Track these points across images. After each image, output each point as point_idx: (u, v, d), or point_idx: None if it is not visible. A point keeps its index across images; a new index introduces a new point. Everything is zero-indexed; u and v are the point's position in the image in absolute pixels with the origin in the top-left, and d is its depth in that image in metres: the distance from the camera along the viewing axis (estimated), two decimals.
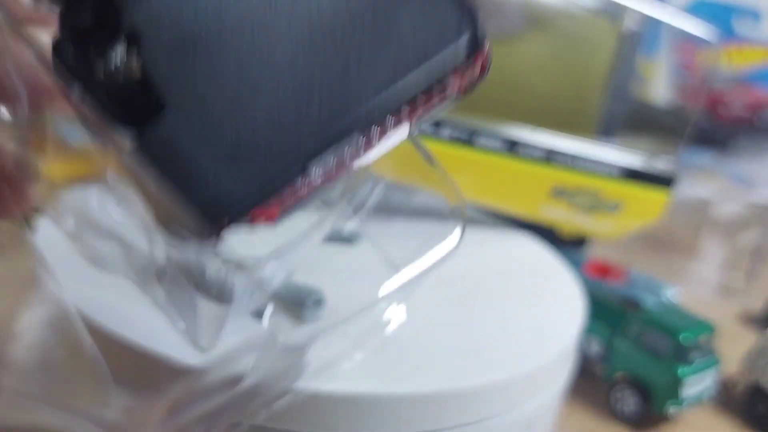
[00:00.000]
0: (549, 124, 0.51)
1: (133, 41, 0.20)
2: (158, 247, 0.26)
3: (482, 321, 0.38)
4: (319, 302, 0.35)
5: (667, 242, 0.75)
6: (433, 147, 0.49)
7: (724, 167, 0.87)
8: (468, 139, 0.50)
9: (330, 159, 0.21)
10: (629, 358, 0.48)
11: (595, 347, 0.51)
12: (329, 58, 0.20)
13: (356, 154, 0.21)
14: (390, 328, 0.33)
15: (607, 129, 0.54)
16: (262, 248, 0.30)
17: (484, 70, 0.23)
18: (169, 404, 0.27)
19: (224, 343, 0.28)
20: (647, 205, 0.52)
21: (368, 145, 0.21)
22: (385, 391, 0.31)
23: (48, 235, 0.38)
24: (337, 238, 0.46)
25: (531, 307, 0.42)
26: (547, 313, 0.41)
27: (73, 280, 0.34)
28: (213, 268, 0.28)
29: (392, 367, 0.32)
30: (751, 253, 0.73)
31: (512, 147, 0.50)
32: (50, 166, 0.27)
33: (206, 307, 0.28)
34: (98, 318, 0.32)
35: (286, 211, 0.22)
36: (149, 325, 0.31)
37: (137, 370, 0.31)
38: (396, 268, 0.29)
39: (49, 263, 0.35)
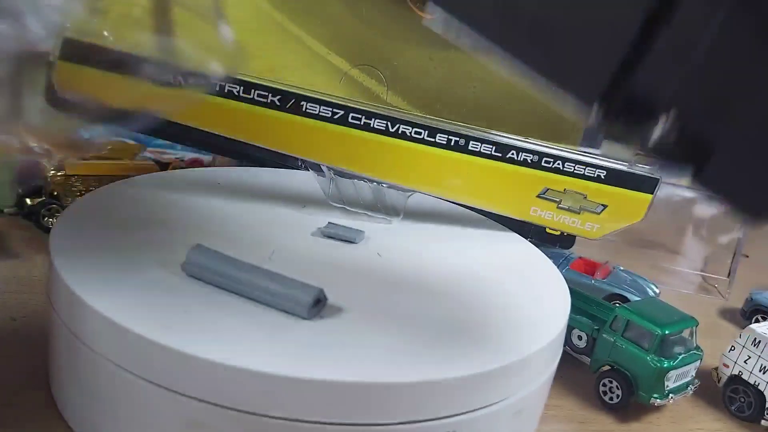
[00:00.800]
0: (538, 131, 0.53)
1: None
2: None
3: (471, 314, 0.40)
4: (321, 300, 0.37)
5: (651, 241, 0.76)
6: (430, 152, 0.52)
7: None
8: (462, 144, 0.52)
9: None
10: (615, 351, 0.49)
11: (583, 340, 0.53)
12: None
13: None
14: None
15: (593, 136, 0.56)
16: None
17: None
18: None
19: None
20: (631, 206, 0.53)
21: None
22: (379, 380, 0.32)
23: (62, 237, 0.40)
24: (339, 237, 0.47)
25: (519, 302, 0.43)
26: (534, 307, 0.43)
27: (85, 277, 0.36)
28: None
29: (387, 358, 0.34)
30: (733, 251, 0.74)
31: (504, 152, 0.52)
32: None
33: None
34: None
35: None
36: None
37: None
38: None
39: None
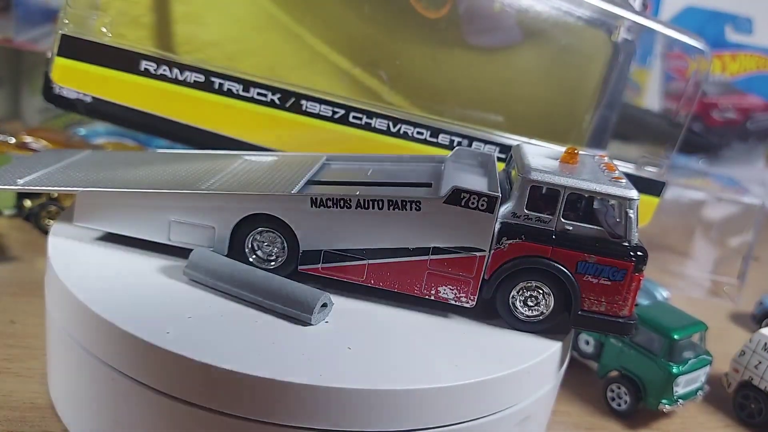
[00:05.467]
0: (543, 133, 0.52)
1: None
2: None
3: (477, 322, 0.39)
4: (326, 305, 0.36)
5: (660, 244, 0.76)
6: (432, 152, 0.51)
7: (715, 171, 0.88)
8: (466, 146, 0.52)
9: None
10: (623, 356, 0.49)
11: (590, 345, 0.52)
12: None
13: None
14: None
15: (599, 137, 0.56)
16: None
17: None
18: None
19: None
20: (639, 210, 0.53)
21: None
22: (386, 387, 0.32)
23: (62, 239, 0.40)
24: None
25: None
26: None
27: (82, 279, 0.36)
28: None
29: (393, 365, 0.33)
30: (743, 255, 0.74)
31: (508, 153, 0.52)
32: None
33: None
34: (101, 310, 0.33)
35: None
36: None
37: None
38: None
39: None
